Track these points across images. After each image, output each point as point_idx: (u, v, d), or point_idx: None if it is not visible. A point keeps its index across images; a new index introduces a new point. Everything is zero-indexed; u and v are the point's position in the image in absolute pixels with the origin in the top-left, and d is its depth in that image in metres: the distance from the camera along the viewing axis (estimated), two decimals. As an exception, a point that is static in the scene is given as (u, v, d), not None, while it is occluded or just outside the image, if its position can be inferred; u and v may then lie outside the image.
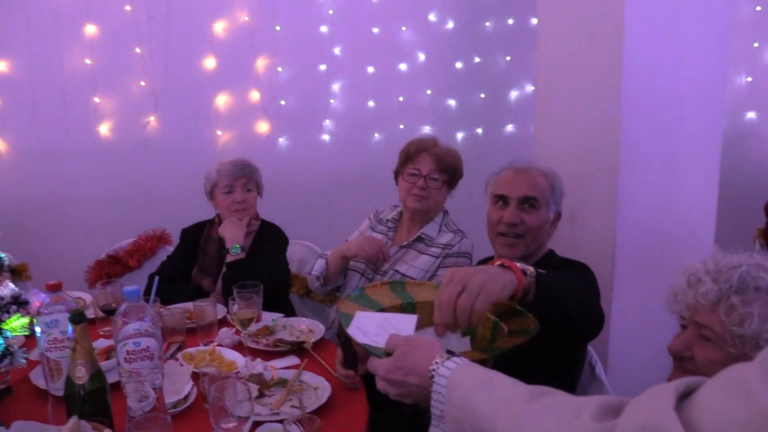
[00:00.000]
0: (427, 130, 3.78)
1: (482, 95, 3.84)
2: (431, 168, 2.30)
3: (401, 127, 3.74)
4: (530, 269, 1.25)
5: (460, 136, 3.87)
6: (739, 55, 3.82)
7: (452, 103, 3.82)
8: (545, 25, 2.49)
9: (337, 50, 3.66)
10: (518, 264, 1.25)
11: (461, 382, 0.95)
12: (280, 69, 3.63)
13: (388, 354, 1.10)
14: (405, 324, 1.24)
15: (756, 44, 3.79)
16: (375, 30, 3.69)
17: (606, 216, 2.20)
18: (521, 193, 1.82)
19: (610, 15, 2.10)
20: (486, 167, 3.60)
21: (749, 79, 3.84)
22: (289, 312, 2.64)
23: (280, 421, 1.49)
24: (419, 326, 1.26)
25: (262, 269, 2.43)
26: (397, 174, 2.41)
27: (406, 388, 1.06)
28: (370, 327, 1.24)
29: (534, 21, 3.56)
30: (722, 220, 3.39)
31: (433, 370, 1.00)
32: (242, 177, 2.55)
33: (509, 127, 3.87)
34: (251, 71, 3.62)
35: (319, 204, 3.69)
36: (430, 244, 2.30)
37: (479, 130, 3.88)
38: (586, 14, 2.25)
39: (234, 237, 2.48)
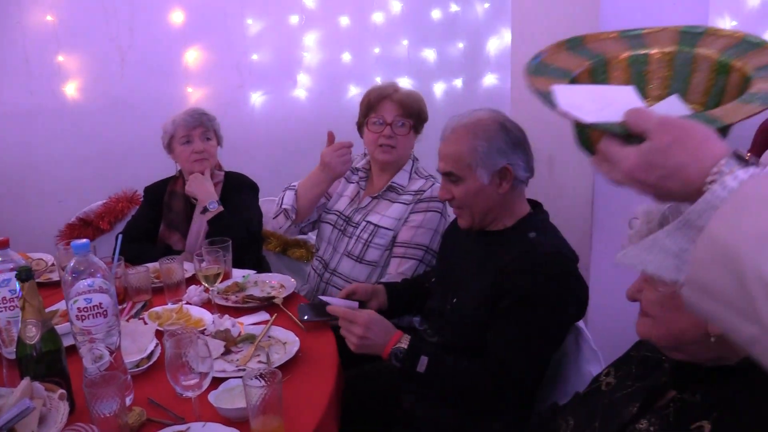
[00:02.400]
0: (404, 82, 3.67)
1: (461, 45, 3.73)
2: (396, 114, 2.22)
3: (378, 80, 3.63)
4: None
5: (438, 88, 3.77)
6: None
7: (430, 54, 3.72)
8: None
9: (308, 1, 3.52)
10: None
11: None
12: (250, 22, 3.49)
13: (624, 129, 0.79)
14: (625, 97, 0.90)
15: (734, 23, 3.70)
16: (349, -22, 3.56)
17: (583, 162, 2.12)
18: (441, 169, 1.70)
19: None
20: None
21: (734, 23, 3.75)
22: (264, 267, 2.59)
23: (246, 377, 1.44)
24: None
25: (240, 220, 2.38)
26: (361, 125, 2.34)
27: (660, 190, 0.75)
28: (583, 102, 0.88)
29: (512, -34, 3.44)
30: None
31: (713, 180, 0.68)
32: (199, 126, 2.47)
33: (490, 78, 3.77)
34: (220, 25, 3.49)
35: (294, 160, 3.58)
36: (402, 192, 2.24)
37: (459, 82, 3.79)
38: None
39: (207, 192, 2.41)
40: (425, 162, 2.37)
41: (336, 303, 1.71)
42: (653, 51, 1.01)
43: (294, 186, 2.36)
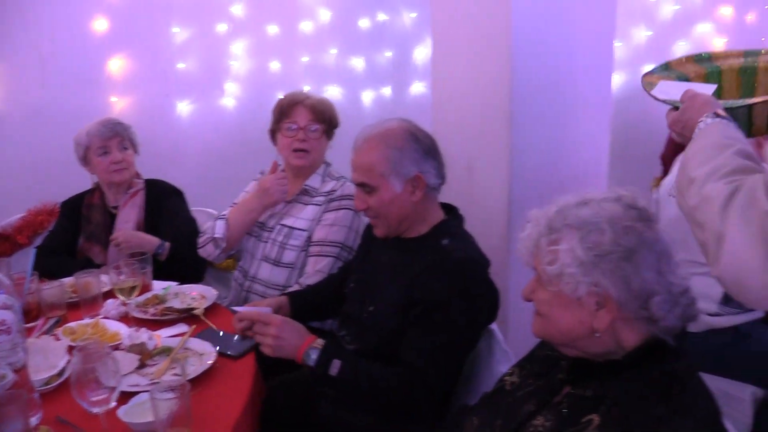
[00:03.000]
0: (333, 90, 3.70)
1: (388, 54, 3.78)
2: (308, 119, 2.26)
3: (307, 88, 3.64)
4: None
5: (367, 96, 3.81)
6: (639, 10, 3.89)
7: (358, 62, 3.75)
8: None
9: (235, 9, 3.50)
10: None
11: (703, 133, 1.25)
12: (176, 30, 3.45)
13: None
14: (704, 89, 1.43)
15: (650, 32, 3.87)
16: (276, -13, 3.56)
17: (501, 168, 2.20)
18: (355, 179, 1.73)
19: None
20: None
21: (649, 33, 3.93)
22: (201, 274, 2.58)
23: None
24: (720, 96, 1.50)
25: (179, 230, 2.36)
26: (274, 132, 2.36)
27: (684, 131, 1.34)
28: (672, 89, 1.46)
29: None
30: (621, 170, 3.50)
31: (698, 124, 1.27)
32: (115, 136, 2.44)
33: (417, 86, 3.83)
34: (146, 33, 3.43)
35: (223, 169, 3.57)
36: (315, 194, 2.29)
37: (387, 90, 3.83)
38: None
39: (146, 241, 2.36)
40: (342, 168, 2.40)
41: (246, 310, 1.72)
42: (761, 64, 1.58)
43: (224, 215, 2.34)
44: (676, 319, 1.06)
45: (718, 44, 3.96)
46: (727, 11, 3.94)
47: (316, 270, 2.18)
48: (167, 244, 2.37)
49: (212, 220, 2.39)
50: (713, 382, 2.18)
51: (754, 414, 2.09)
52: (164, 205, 2.47)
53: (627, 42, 3.90)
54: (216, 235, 2.30)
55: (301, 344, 1.58)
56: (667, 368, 1.06)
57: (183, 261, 2.27)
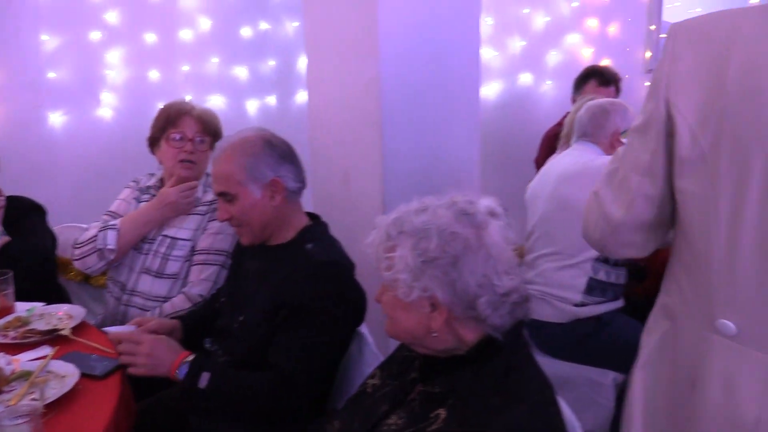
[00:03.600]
0: (216, 99, 3.65)
1: (272, 63, 3.78)
2: (196, 130, 2.24)
3: (189, 98, 3.56)
4: None
5: (252, 106, 3.79)
6: (514, 22, 4.09)
7: (241, 71, 3.72)
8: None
9: (110, 16, 3.39)
10: None
11: None
12: (45, 38, 3.30)
13: None
14: None
15: (526, 11, 4.07)
16: (152, -6, 3.47)
17: (375, 174, 2.25)
18: (216, 190, 1.76)
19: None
20: (282, 135, 3.60)
21: (523, 43, 4.13)
22: (64, 297, 2.46)
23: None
24: None
25: (32, 246, 2.25)
26: (155, 140, 2.30)
27: None
28: None
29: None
30: (499, 175, 3.67)
31: None
32: None
33: (302, 95, 3.85)
34: (11, 41, 3.26)
35: (100, 183, 3.42)
36: (197, 203, 2.26)
37: (272, 99, 3.83)
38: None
39: None
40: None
41: (117, 330, 1.68)
42: None
43: (114, 225, 2.24)
44: (502, 318, 1.13)
45: (586, 54, 4.21)
46: (593, 23, 4.21)
47: (201, 278, 2.15)
48: (5, 237, 2.24)
49: (97, 232, 2.27)
50: (579, 371, 2.35)
51: (617, 398, 2.24)
52: (22, 223, 2.35)
53: (503, 52, 4.08)
54: (108, 246, 2.20)
55: (175, 361, 1.57)
56: (503, 361, 1.13)
57: (36, 279, 2.15)
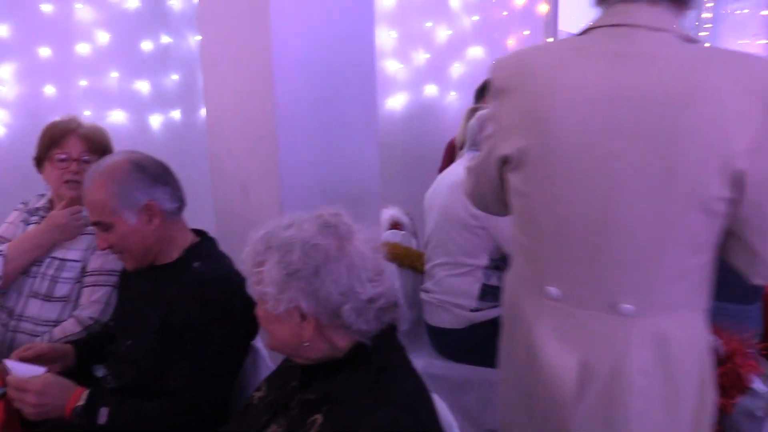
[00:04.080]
0: (117, 115, 3.57)
1: (175, 77, 3.73)
2: (81, 149, 2.18)
3: (87, 113, 3.48)
4: None
5: (156, 120, 3.72)
6: (418, 35, 4.18)
7: (143, 85, 3.65)
8: (204, 5, 2.46)
9: (0, 30, 3.26)
10: None
11: None
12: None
13: None
14: None
15: (429, 24, 4.18)
16: (45, 7, 3.36)
17: (273, 189, 2.26)
18: (90, 220, 1.72)
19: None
20: (187, 151, 3.56)
21: (427, 56, 4.23)
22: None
23: None
24: None
25: None
26: (41, 160, 2.24)
27: None
28: None
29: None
30: (407, 185, 3.74)
31: None
32: None
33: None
34: None
35: (-9, 204, 3.30)
36: (86, 222, 2.19)
37: (177, 114, 3.77)
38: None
39: None
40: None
41: (19, 370, 1.60)
42: None
43: (1, 251, 2.15)
44: (369, 323, 1.18)
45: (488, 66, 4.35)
46: (494, 36, 4.36)
47: (92, 300, 2.09)
48: None
49: None
50: (480, 373, 2.43)
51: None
52: None
53: (408, 64, 4.17)
54: None
55: (68, 402, 1.52)
56: (376, 364, 1.18)
57: None
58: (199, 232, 1.83)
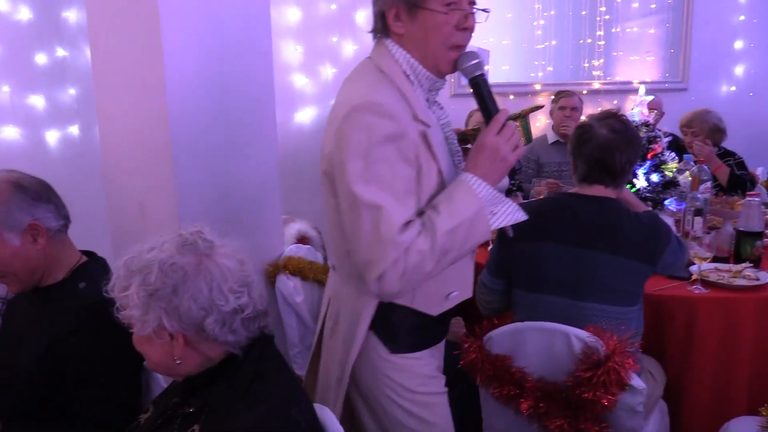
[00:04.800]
0: (9, 131, 3.42)
1: (72, 91, 3.61)
2: None
3: (-24, 129, 3.32)
4: None
5: (52, 136, 3.59)
6: (324, 50, 4.22)
7: (38, 100, 3.52)
8: (93, 20, 2.40)
9: None
10: None
11: None
12: None
13: None
14: None
15: (335, 38, 4.22)
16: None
17: (170, 206, 2.23)
18: None
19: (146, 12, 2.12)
20: (87, 168, 3.45)
21: (334, 70, 4.27)
22: None
23: None
24: None
25: None
26: None
27: None
28: None
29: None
30: (317, 199, 3.75)
31: None
32: None
33: (108, 124, 3.70)
34: None
35: None
36: None
37: (75, 129, 3.65)
38: (122, 6, 2.23)
39: None
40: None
41: None
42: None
43: None
44: (235, 334, 1.22)
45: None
46: (400, 51, 4.44)
47: None
48: None
49: None
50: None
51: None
52: None
53: (315, 79, 4.20)
54: None
55: None
56: (250, 371, 1.22)
57: None
58: (88, 253, 1.77)
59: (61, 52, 3.55)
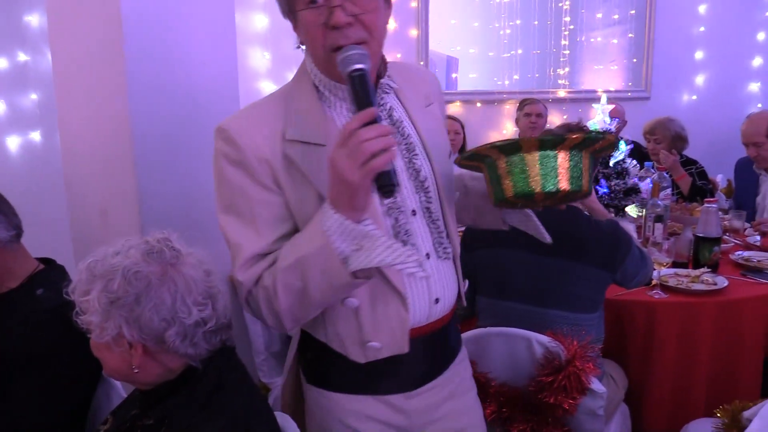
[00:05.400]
0: (-33, 136, 3.35)
1: (34, 96, 3.55)
2: None
3: (-68, 134, 3.25)
4: None
5: (13, 142, 3.52)
6: (291, 56, 4.21)
7: (-2, 105, 3.46)
8: (54, 24, 2.37)
9: None
10: None
11: None
12: None
13: None
14: None
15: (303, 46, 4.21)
16: None
17: (132, 213, 2.20)
18: None
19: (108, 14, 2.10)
20: (48, 174, 3.38)
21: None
22: None
23: None
24: None
25: None
26: None
27: None
28: None
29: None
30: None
31: None
32: None
33: (71, 130, 3.65)
34: None
35: None
36: None
37: (36, 135, 3.58)
38: (83, 11, 2.21)
39: None
40: None
41: None
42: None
43: None
44: (196, 346, 1.19)
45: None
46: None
47: None
48: None
49: None
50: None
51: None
52: None
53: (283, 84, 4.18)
54: None
55: None
56: (211, 383, 1.20)
57: None
58: (46, 260, 1.75)
59: (22, 57, 3.49)
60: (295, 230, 1.19)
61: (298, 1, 1.16)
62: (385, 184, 1.04)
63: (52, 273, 1.71)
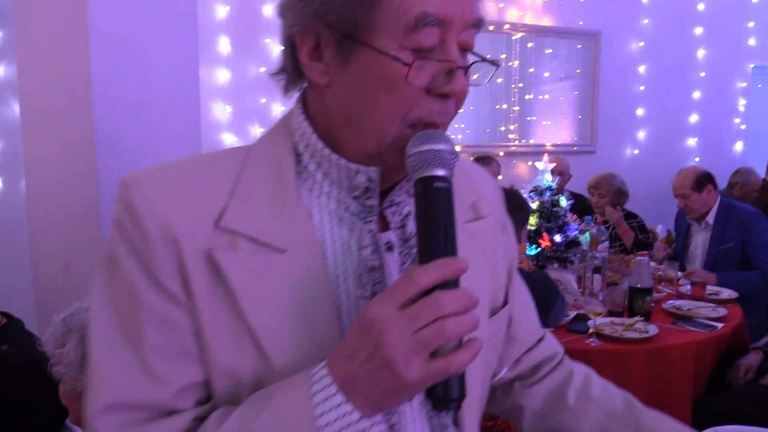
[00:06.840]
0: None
1: None
2: None
3: None
4: None
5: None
6: (253, 110, 4.35)
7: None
8: (24, 76, 2.47)
9: None
10: None
11: None
12: None
13: None
14: None
15: (263, 100, 4.38)
16: None
17: (95, 265, 2.28)
18: None
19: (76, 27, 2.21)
20: (8, 224, 3.41)
21: (262, 129, 4.40)
22: None
23: None
24: None
25: None
26: None
27: None
28: None
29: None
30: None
31: None
32: None
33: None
34: None
35: None
36: None
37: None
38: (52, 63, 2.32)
39: None
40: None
41: None
42: None
43: None
44: None
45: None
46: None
47: None
48: None
49: None
50: None
51: None
52: None
53: (245, 138, 4.29)
54: None
55: None
56: None
57: None
58: (3, 314, 1.81)
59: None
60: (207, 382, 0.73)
61: (386, 29, 0.70)
62: (445, 398, 0.64)
63: (12, 327, 1.78)
